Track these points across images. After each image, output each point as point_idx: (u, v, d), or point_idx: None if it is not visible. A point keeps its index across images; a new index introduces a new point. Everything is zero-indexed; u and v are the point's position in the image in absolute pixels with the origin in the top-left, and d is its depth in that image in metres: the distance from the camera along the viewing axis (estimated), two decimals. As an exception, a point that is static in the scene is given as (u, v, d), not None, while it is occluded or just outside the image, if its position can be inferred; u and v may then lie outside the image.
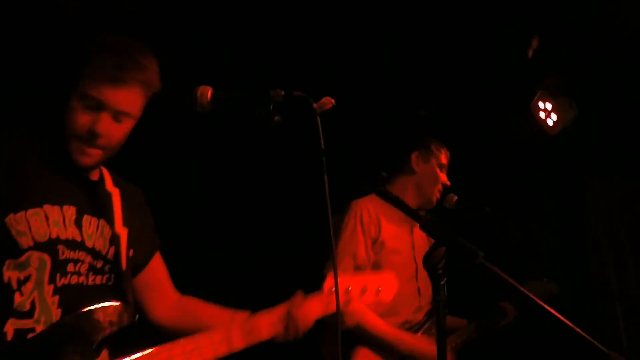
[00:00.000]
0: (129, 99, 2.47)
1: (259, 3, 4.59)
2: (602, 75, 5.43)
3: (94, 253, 2.50)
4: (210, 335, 2.59)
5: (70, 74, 2.46)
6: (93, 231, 2.52)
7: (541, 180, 6.29)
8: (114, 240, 2.57)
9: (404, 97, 5.36)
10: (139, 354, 2.39)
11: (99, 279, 2.52)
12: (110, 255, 2.56)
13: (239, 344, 2.64)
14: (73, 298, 2.36)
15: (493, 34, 5.20)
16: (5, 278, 2.27)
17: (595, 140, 6.06)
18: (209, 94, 2.44)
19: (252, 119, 2.46)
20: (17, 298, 2.27)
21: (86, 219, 2.50)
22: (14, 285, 2.28)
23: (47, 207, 2.37)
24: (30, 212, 2.33)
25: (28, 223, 2.31)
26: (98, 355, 2.34)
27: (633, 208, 6.70)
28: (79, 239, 2.45)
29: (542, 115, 5.63)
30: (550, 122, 5.64)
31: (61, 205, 2.43)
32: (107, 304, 2.35)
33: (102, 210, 2.59)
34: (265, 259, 5.63)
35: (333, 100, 2.46)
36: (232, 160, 5.26)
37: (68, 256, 2.40)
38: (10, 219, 2.29)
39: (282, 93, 2.44)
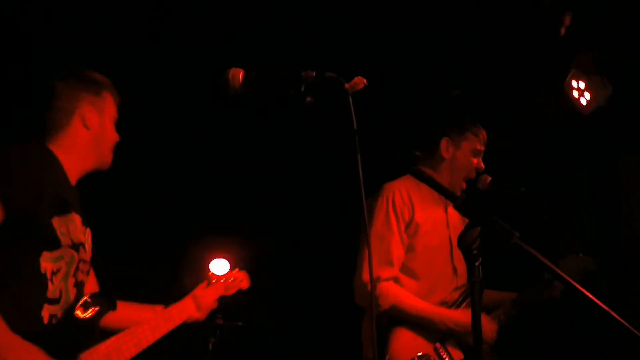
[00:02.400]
0: None
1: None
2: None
3: (87, 254, 2.76)
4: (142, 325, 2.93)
5: None
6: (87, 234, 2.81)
7: (575, 159, 6.26)
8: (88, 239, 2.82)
9: (436, 76, 5.34)
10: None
11: (86, 276, 2.79)
12: (90, 254, 2.81)
13: (162, 330, 3.00)
14: (80, 292, 2.69)
15: (523, 14, 5.17)
16: (42, 269, 2.47)
17: (628, 118, 6.00)
18: (241, 76, 2.46)
19: (284, 100, 2.47)
20: (50, 287, 2.51)
21: (83, 224, 2.78)
22: (48, 275, 2.50)
23: (73, 214, 2.65)
24: (68, 217, 2.60)
25: (67, 226, 2.57)
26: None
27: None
28: (84, 242, 2.72)
29: (575, 94, 5.59)
30: (583, 101, 5.60)
31: (76, 212, 2.70)
32: None
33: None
34: (298, 241, 5.66)
35: (365, 80, 2.45)
36: (264, 142, 5.28)
37: (82, 257, 2.67)
38: (56, 220, 2.52)
39: (314, 74, 2.45)
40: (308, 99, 2.45)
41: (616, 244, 6.30)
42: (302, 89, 2.45)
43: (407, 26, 5.05)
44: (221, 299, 3.28)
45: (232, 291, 3.33)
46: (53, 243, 2.52)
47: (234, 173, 5.60)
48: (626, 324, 2.30)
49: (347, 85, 2.45)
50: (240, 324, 4.38)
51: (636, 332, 2.47)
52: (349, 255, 3.52)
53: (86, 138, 2.75)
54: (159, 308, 3.13)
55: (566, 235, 5.86)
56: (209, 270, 3.39)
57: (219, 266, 3.42)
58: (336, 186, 3.26)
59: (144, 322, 2.94)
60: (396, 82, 4.86)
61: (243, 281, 3.37)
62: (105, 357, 2.69)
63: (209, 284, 3.27)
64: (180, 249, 4.86)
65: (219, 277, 3.27)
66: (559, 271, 2.35)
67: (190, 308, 3.15)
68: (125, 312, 3.00)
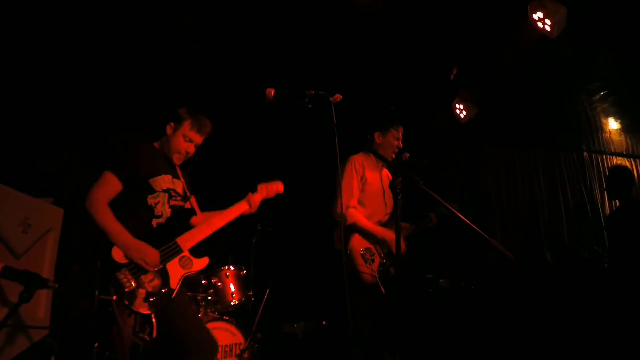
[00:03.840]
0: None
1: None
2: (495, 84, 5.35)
3: (178, 193, 2.87)
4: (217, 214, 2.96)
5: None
6: (177, 184, 2.89)
7: (456, 147, 6.26)
8: (183, 186, 2.94)
9: (382, 98, 5.32)
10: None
11: (180, 204, 2.88)
12: (182, 194, 2.91)
13: (229, 217, 2.97)
14: (174, 210, 2.81)
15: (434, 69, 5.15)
16: (149, 202, 2.70)
17: (491, 124, 6.02)
18: (272, 93, 2.51)
19: (296, 107, 2.49)
20: (156, 210, 2.72)
21: (173, 179, 2.86)
22: (153, 205, 2.71)
23: (162, 175, 2.78)
24: (158, 177, 2.75)
25: (159, 181, 2.75)
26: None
27: (509, 165, 6.68)
28: (174, 188, 2.84)
29: (458, 111, 5.60)
30: (462, 115, 5.61)
31: (166, 173, 2.81)
32: None
33: (177, 175, 2.93)
34: (295, 195, 5.49)
35: (341, 96, 2.49)
36: (285, 132, 5.21)
37: (172, 195, 2.81)
38: (152, 180, 2.72)
39: (313, 92, 2.49)
40: (309, 106, 2.48)
41: (478, 196, 6.35)
42: (306, 101, 2.48)
43: (366, 69, 5.01)
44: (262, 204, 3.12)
45: (272, 194, 3.13)
46: (151, 191, 2.71)
47: (261, 150, 5.47)
48: (479, 231, 2.33)
49: (331, 99, 2.50)
50: (270, 229, 4.27)
51: (507, 252, 2.51)
52: (327, 193, 3.51)
53: (167, 140, 2.87)
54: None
55: (449, 188, 5.86)
56: (259, 183, 3.08)
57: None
58: (322, 156, 3.25)
59: (219, 213, 2.96)
60: (358, 100, 4.78)
61: (280, 187, 3.15)
62: (192, 236, 2.78)
63: (257, 191, 3.09)
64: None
65: (263, 186, 3.10)
66: (446, 204, 2.39)
67: (244, 206, 3.02)
68: (203, 216, 3.04)
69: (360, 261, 3.33)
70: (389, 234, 3.44)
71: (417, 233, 3.70)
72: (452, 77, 5.21)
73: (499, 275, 4.87)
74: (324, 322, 4.61)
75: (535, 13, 4.36)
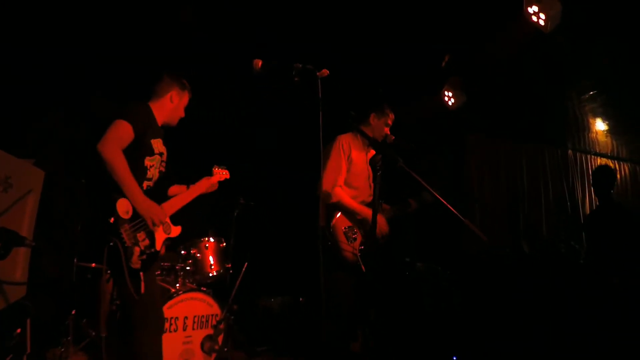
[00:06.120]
0: None
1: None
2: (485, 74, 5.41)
3: (165, 158, 2.95)
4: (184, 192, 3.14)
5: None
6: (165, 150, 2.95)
7: (442, 133, 6.30)
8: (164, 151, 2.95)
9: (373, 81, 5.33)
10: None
11: (164, 170, 2.95)
12: (166, 160, 2.97)
13: (192, 195, 3.16)
14: (161, 175, 2.91)
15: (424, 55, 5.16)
16: (145, 164, 2.76)
17: (475, 112, 6.07)
18: (260, 64, 2.54)
19: (283, 79, 2.52)
20: (148, 173, 2.79)
21: (163, 144, 2.94)
22: (148, 167, 2.77)
23: (159, 139, 2.87)
24: (157, 140, 2.84)
25: (156, 144, 2.82)
26: None
27: (493, 155, 6.78)
28: (163, 152, 2.91)
29: (446, 98, 5.64)
30: (450, 103, 5.64)
31: (159, 137, 2.89)
32: None
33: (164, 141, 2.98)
34: (279, 170, 5.55)
35: (328, 71, 2.52)
36: (270, 103, 5.17)
37: (163, 159, 2.91)
38: (152, 142, 2.78)
39: (300, 66, 2.52)
40: (296, 79, 2.51)
41: (460, 183, 6.44)
42: (294, 73, 2.51)
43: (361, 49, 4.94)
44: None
45: (222, 178, 3.43)
46: (150, 152, 2.77)
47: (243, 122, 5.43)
48: (458, 214, 2.38)
49: (318, 73, 2.53)
50: (252, 203, 4.30)
51: (480, 234, 2.55)
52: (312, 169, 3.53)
53: (169, 108, 2.94)
54: (187, 186, 3.27)
55: (431, 175, 5.90)
56: (214, 167, 3.43)
57: (218, 168, 3.50)
58: (306, 132, 3.26)
59: (185, 192, 3.15)
60: (351, 77, 4.73)
61: (226, 174, 3.47)
62: (174, 203, 2.97)
63: (213, 174, 3.39)
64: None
65: (218, 171, 3.42)
66: (427, 186, 2.43)
67: (205, 185, 3.26)
68: (174, 188, 3.23)
69: (342, 239, 3.36)
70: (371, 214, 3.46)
71: (397, 216, 3.73)
72: (443, 64, 5.23)
73: (475, 262, 4.98)
74: (300, 299, 4.68)
75: (531, 7, 4.39)
